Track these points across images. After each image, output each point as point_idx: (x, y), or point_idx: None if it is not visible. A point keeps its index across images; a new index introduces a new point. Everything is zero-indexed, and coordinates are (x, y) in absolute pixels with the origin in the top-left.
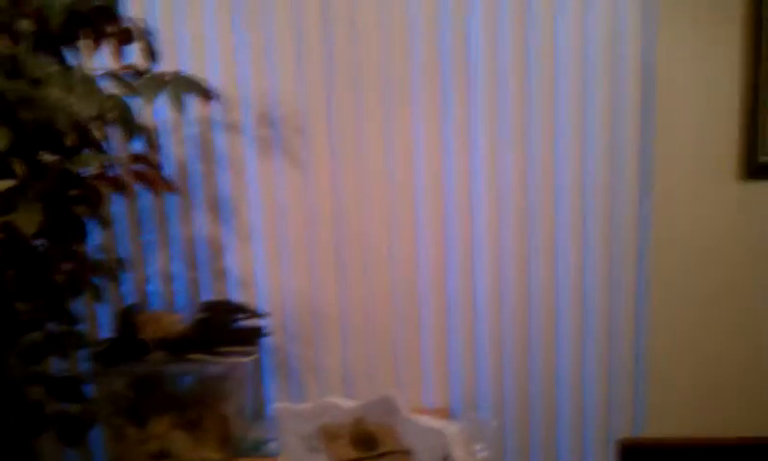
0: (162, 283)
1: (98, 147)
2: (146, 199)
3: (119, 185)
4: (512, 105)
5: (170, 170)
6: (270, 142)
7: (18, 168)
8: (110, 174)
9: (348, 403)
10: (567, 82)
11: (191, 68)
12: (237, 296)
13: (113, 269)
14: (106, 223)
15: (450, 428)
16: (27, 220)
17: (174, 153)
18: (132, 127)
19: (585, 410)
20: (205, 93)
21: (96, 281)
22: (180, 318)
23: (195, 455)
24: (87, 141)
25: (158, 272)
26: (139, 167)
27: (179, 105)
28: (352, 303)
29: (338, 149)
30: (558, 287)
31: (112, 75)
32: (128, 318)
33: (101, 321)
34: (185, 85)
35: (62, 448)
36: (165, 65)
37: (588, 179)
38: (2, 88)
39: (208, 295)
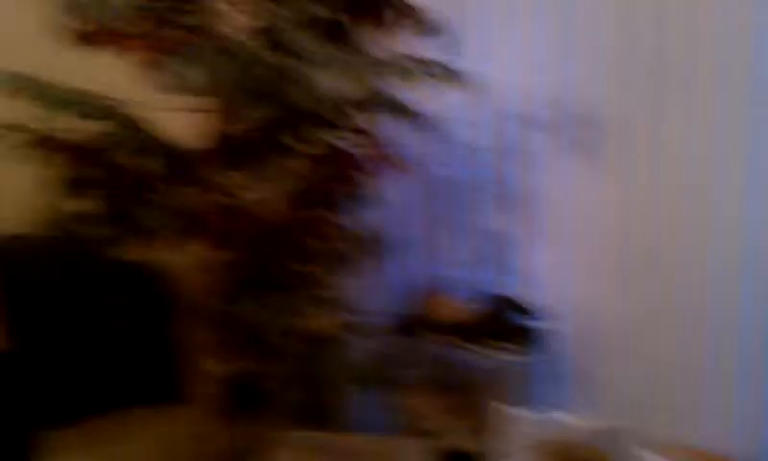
0: (448, 269)
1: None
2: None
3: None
4: None
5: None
6: (567, 141)
7: (288, 141)
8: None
9: (576, 423)
10: None
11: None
12: (520, 293)
13: (374, 247)
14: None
15: None
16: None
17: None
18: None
19: None
20: (461, 83)
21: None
22: (467, 306)
23: (450, 439)
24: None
25: (445, 258)
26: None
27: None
28: (639, 319)
29: (645, 152)
30: None
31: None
32: (418, 298)
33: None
34: (441, 76)
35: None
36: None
37: None
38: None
39: (490, 287)
